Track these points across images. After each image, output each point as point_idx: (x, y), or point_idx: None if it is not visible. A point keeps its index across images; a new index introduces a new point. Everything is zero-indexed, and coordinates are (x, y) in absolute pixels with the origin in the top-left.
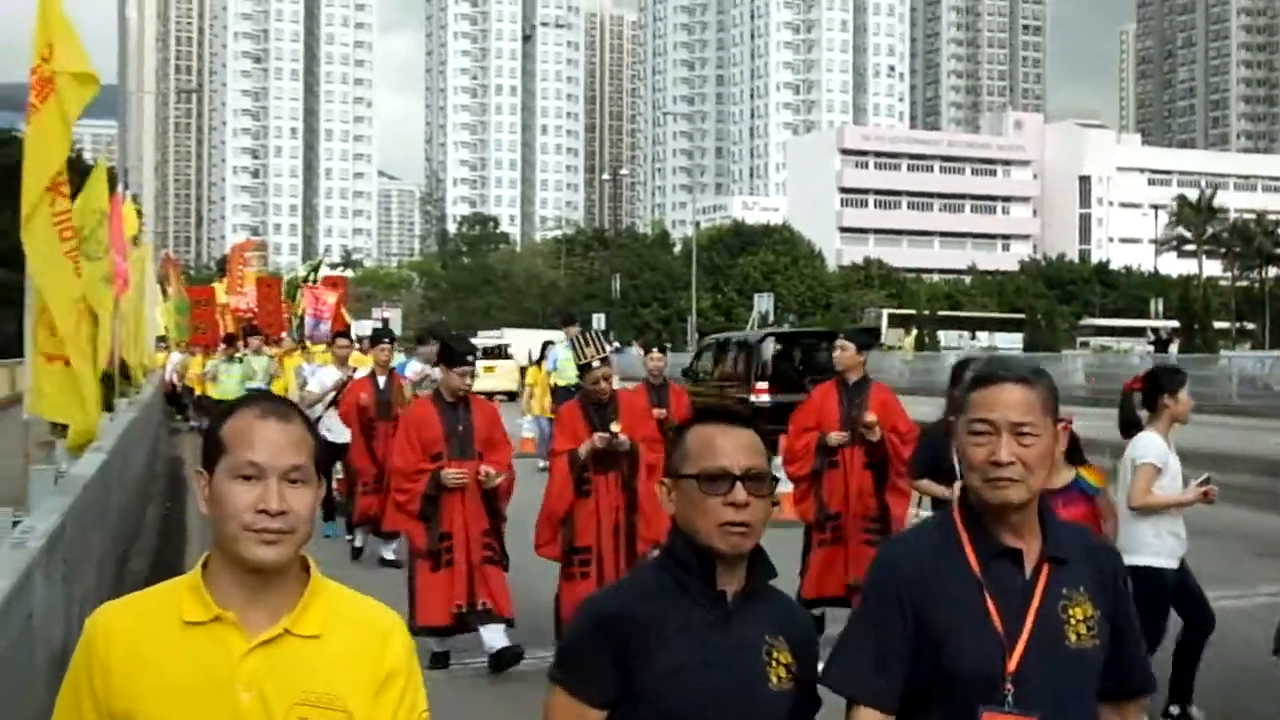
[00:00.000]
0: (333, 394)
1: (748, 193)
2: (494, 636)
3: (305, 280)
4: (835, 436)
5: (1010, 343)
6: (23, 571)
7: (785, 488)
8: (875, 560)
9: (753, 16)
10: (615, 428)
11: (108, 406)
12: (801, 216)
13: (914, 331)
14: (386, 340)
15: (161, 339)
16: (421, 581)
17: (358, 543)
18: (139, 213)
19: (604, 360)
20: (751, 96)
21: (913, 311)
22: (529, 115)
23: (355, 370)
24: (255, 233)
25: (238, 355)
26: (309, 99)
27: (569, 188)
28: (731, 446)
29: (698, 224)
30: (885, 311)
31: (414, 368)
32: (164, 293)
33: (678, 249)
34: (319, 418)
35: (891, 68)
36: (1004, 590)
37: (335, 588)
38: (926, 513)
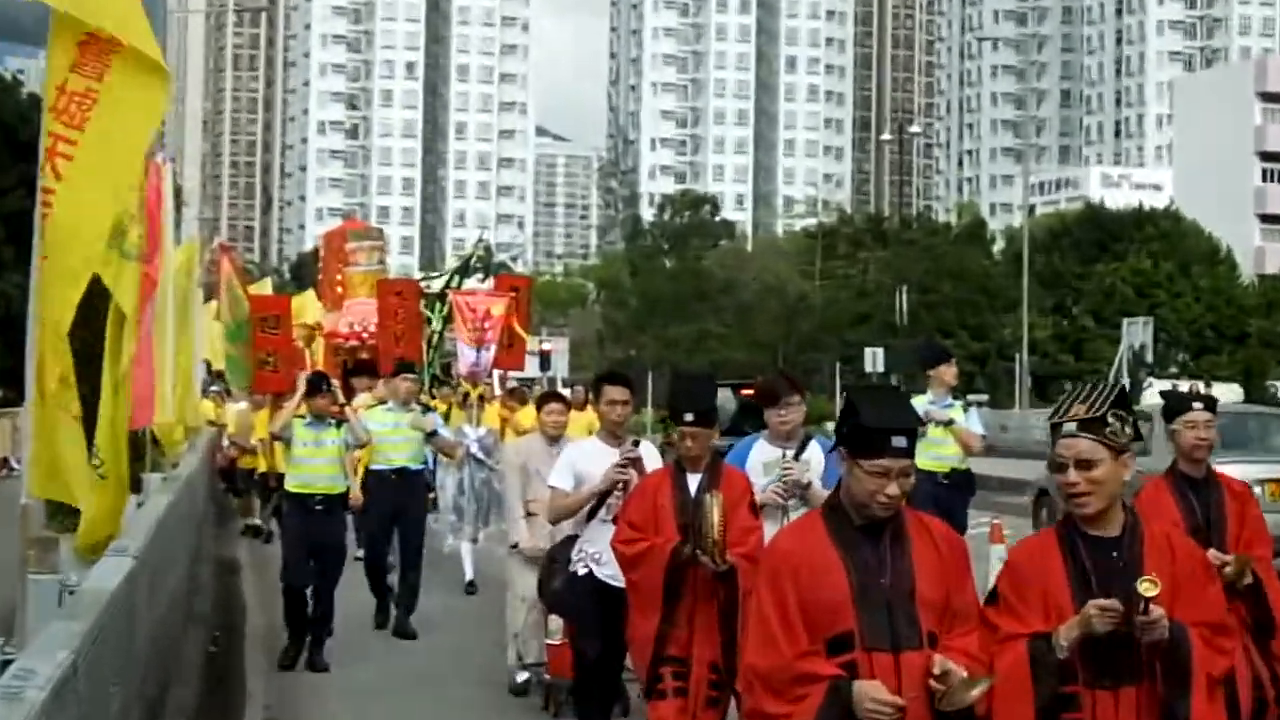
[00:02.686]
0: (609, 496)
1: (1110, 160)
2: None
3: (450, 285)
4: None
5: None
6: None
7: None
8: None
9: None
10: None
11: (134, 485)
12: (1197, 197)
13: None
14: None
15: (217, 379)
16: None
17: None
18: (178, 188)
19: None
20: (1119, 12)
21: None
22: (767, 43)
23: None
24: (347, 216)
25: (327, 413)
26: (433, 20)
27: (827, 154)
28: None
29: (1030, 209)
30: None
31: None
32: (216, 305)
33: (998, 247)
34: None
35: None
36: None
37: None
38: None
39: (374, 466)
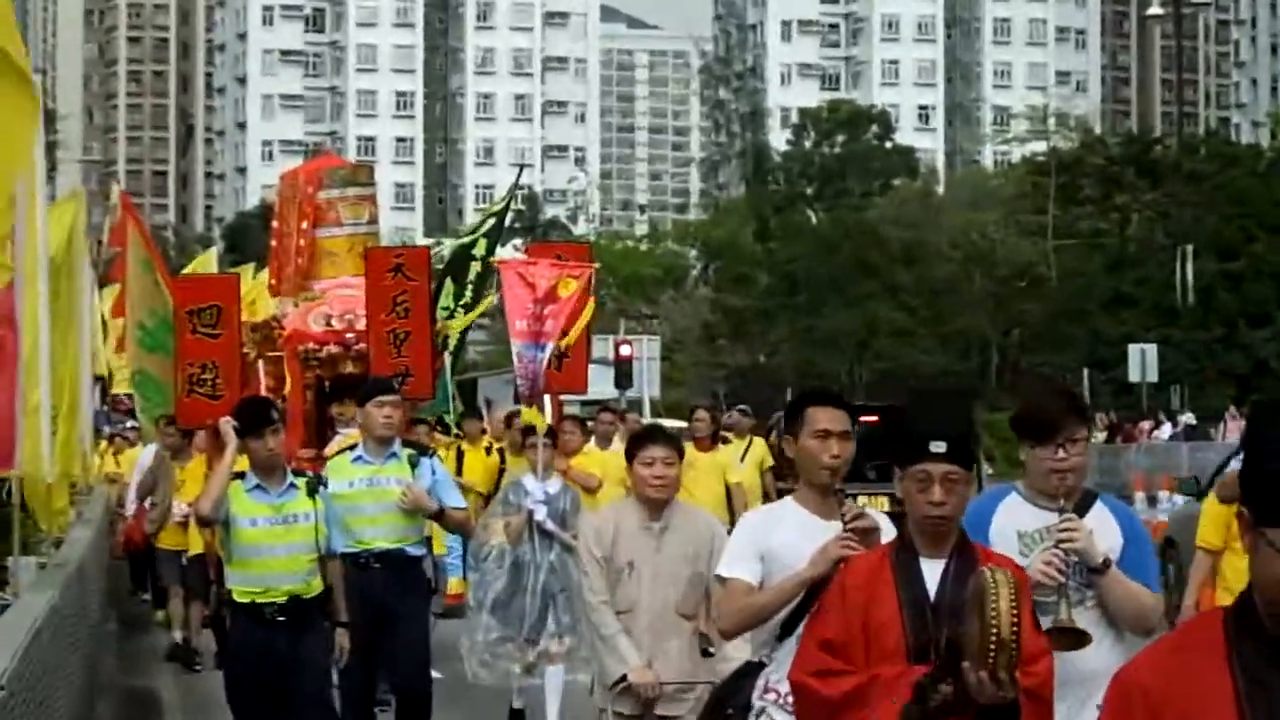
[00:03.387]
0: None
1: None
2: None
3: (475, 250)
4: None
5: None
6: None
7: None
8: None
9: None
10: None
11: None
12: None
13: None
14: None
15: (118, 411)
16: None
17: None
18: (48, 113)
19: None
20: None
21: None
22: None
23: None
24: (314, 152)
25: (279, 465)
26: None
27: (1062, 40)
28: None
29: None
30: None
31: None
32: (115, 293)
33: None
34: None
35: None
36: None
37: None
38: None
39: (344, 549)
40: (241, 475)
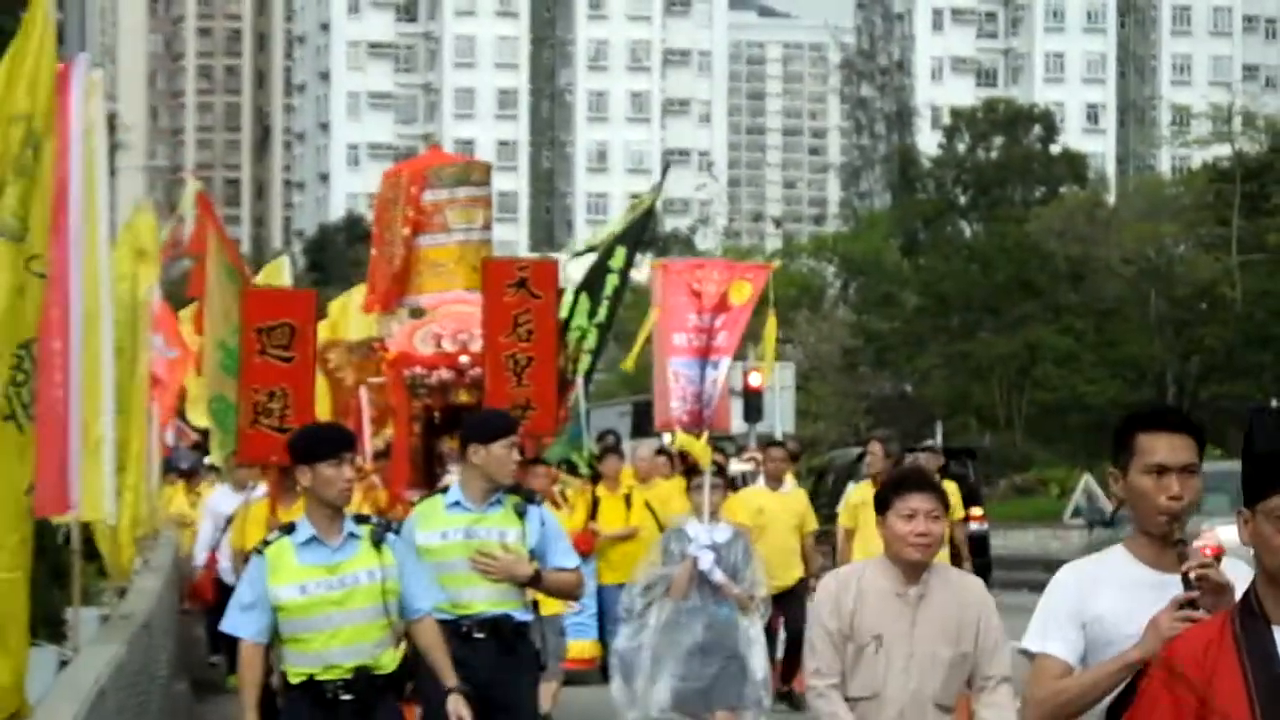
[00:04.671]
0: None
1: None
2: None
3: (611, 262)
4: None
5: None
6: None
7: None
8: None
9: None
10: None
11: (49, 627)
12: None
13: None
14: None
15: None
16: None
17: None
18: (110, 117)
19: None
20: None
21: None
22: None
23: None
24: (405, 157)
25: (341, 504)
26: None
27: (1251, 30)
28: None
29: None
30: None
31: None
32: (196, 308)
33: None
34: None
35: None
36: None
37: None
38: None
39: (437, 615)
40: (291, 529)
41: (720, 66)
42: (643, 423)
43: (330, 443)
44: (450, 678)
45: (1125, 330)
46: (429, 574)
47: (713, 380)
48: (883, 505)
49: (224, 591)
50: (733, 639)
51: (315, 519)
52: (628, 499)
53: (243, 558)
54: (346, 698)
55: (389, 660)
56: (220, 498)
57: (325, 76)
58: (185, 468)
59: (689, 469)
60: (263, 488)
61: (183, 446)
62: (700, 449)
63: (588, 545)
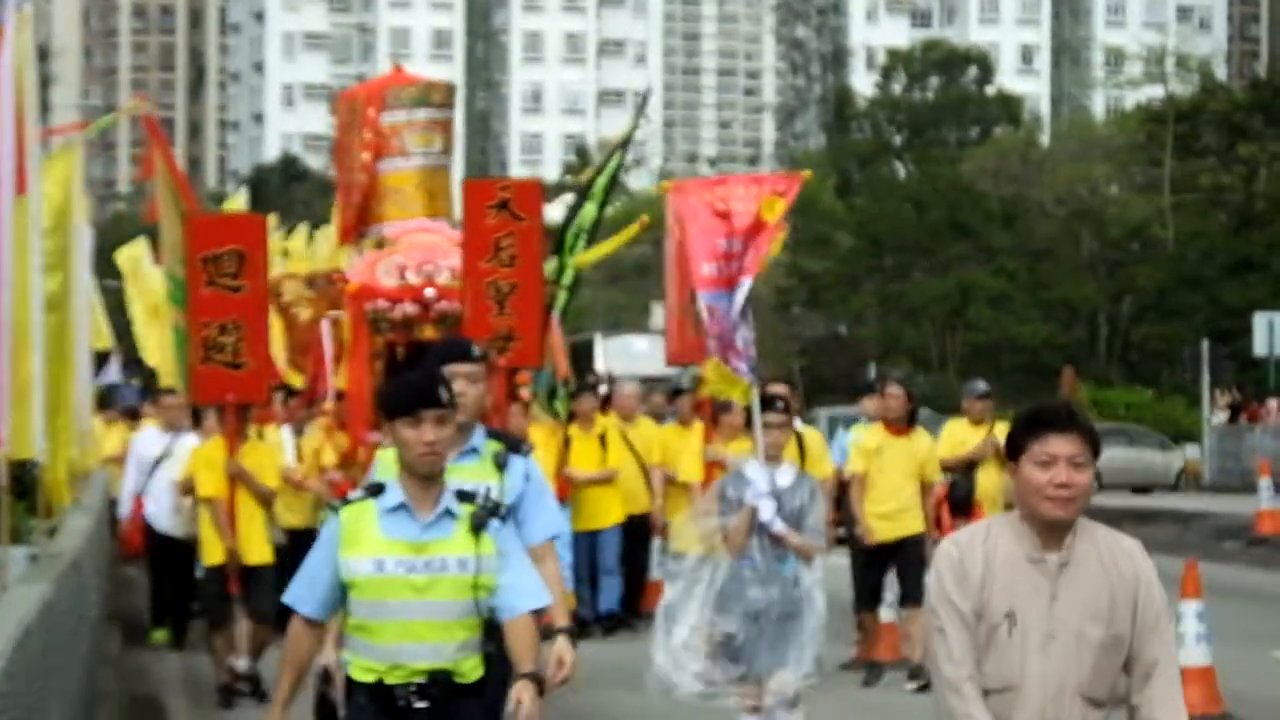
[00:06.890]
0: None
1: None
2: None
3: (590, 218)
4: None
5: None
6: None
7: None
8: None
9: None
10: None
11: None
12: None
13: None
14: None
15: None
16: None
17: None
18: (41, 51)
19: None
20: None
21: None
22: None
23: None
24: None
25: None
26: None
27: None
28: None
29: None
30: None
31: None
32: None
33: None
34: None
35: None
36: None
37: None
38: None
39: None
40: (379, 490)
41: (655, 6)
42: (581, 364)
43: (408, 396)
44: (526, 664)
45: (1058, 271)
46: (536, 576)
47: (739, 306)
48: (1015, 450)
49: (154, 539)
50: (793, 601)
51: (407, 484)
52: (603, 439)
53: (192, 502)
54: (420, 705)
55: (471, 668)
56: (146, 440)
57: (260, 16)
58: (127, 406)
59: (716, 405)
60: (191, 435)
61: (132, 385)
62: (735, 386)
63: (563, 493)
